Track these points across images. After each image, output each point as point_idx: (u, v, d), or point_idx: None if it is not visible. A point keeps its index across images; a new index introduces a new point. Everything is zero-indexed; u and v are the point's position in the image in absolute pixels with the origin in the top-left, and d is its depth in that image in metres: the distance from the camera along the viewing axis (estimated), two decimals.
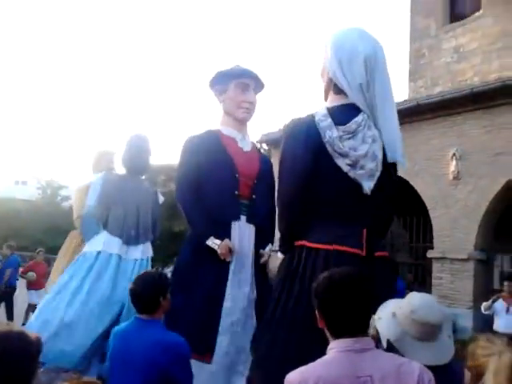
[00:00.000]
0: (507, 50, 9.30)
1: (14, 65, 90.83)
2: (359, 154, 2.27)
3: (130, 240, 4.61)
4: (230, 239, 3.22)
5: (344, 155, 2.26)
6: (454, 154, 8.39)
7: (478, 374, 1.34)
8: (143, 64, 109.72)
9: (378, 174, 2.32)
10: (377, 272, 2.23)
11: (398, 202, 2.54)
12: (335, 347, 1.51)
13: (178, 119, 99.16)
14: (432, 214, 8.83)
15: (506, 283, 7.07)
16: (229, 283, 3.18)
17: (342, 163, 2.26)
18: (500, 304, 6.76)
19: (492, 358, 1.41)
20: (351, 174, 2.27)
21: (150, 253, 4.66)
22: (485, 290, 8.18)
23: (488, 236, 8.43)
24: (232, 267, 3.21)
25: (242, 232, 3.37)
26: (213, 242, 3.18)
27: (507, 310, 6.64)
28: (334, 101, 2.41)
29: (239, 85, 3.61)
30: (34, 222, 25.89)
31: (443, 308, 2.05)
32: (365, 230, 2.29)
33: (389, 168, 2.39)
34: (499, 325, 6.50)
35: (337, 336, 1.52)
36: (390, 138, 2.37)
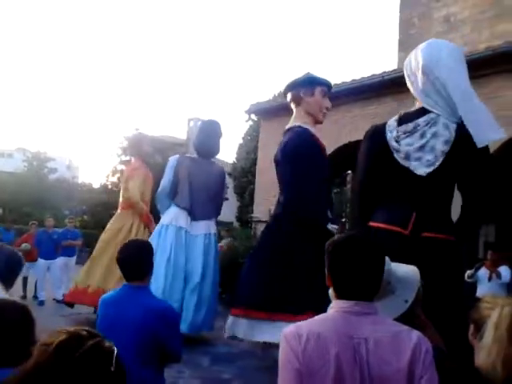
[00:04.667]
0: (497, 18, 9.22)
1: (4, 38, 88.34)
2: (413, 148, 2.65)
3: (197, 216, 5.20)
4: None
5: (397, 150, 2.66)
6: None
7: (479, 325, 1.42)
8: (131, 40, 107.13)
9: (438, 163, 2.64)
10: (422, 252, 2.46)
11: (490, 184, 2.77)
12: (334, 307, 1.53)
13: (167, 94, 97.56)
14: None
15: (489, 252, 7.28)
16: None
17: (398, 156, 2.66)
18: (483, 272, 6.94)
19: (494, 310, 1.47)
20: (406, 164, 2.65)
21: (214, 229, 5.43)
22: (469, 260, 8.34)
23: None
24: None
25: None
26: (332, 227, 3.97)
27: (489, 278, 6.81)
28: (415, 106, 2.82)
29: (322, 91, 4.02)
30: (20, 195, 25.58)
31: (405, 272, 1.90)
32: (415, 212, 2.59)
33: (469, 155, 2.64)
34: (481, 292, 6.67)
35: (338, 297, 1.54)
36: (476, 127, 2.66)
